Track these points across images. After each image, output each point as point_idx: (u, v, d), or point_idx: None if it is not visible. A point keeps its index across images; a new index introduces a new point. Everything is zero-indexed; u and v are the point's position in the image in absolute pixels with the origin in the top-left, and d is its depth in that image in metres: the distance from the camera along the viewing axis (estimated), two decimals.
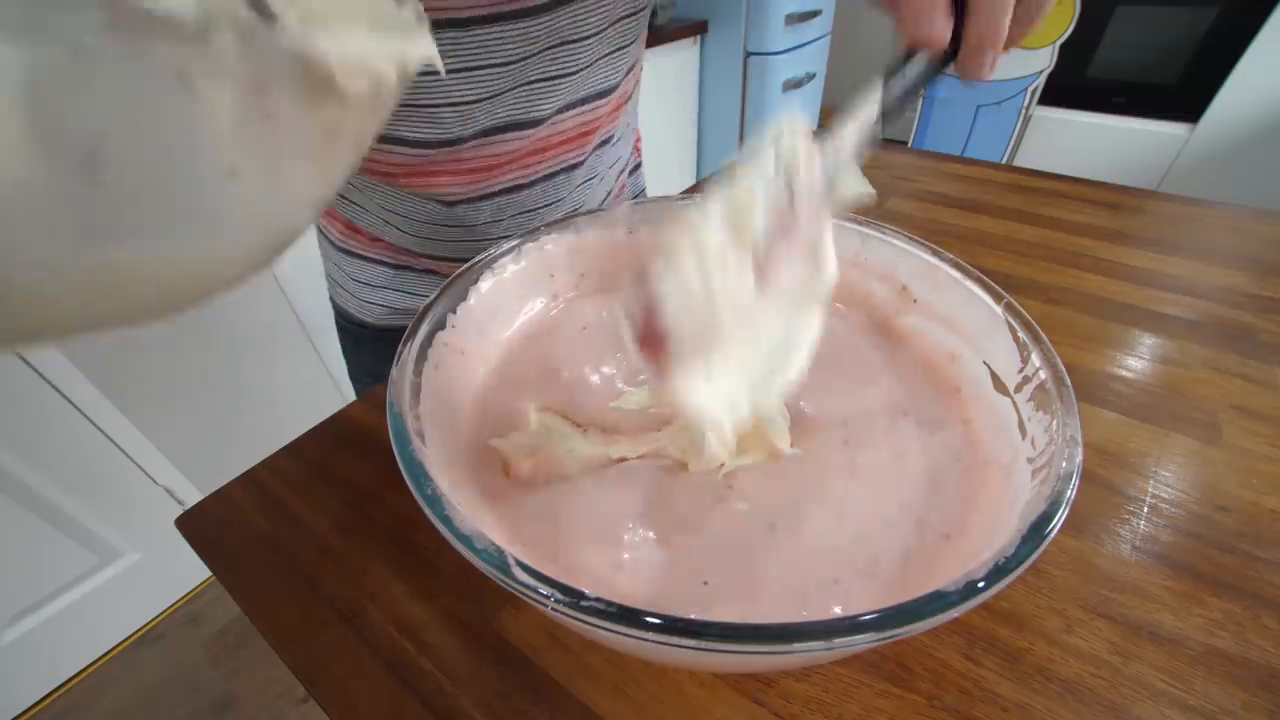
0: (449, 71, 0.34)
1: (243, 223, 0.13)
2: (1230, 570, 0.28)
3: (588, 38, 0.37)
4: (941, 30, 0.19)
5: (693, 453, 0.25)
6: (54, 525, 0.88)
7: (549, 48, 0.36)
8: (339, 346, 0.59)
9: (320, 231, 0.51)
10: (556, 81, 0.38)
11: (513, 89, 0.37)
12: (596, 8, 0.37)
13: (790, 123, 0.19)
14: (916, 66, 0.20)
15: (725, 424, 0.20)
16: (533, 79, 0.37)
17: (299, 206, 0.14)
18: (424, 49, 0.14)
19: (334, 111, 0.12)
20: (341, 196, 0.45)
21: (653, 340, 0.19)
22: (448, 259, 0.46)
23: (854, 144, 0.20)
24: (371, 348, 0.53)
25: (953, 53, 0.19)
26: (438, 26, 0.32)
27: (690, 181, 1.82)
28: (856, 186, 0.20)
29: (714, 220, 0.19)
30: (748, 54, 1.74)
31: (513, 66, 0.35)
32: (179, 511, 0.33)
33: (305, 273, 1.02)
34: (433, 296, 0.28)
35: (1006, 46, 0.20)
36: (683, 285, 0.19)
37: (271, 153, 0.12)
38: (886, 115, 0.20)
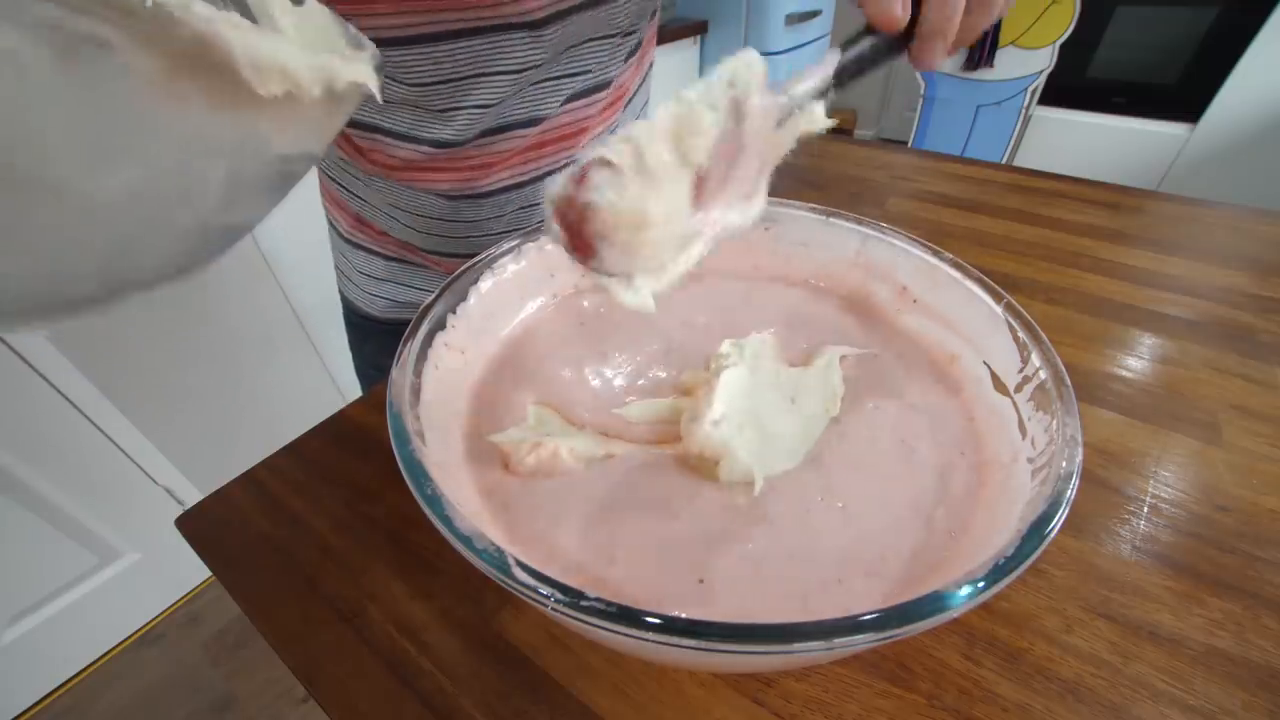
0: (463, 78, 0.35)
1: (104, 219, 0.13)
2: (1230, 570, 0.28)
3: (601, 38, 0.38)
4: (899, 15, 0.20)
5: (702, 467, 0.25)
6: (54, 525, 0.88)
7: (560, 52, 0.37)
8: (339, 346, 0.59)
9: (330, 224, 0.52)
10: (563, 81, 0.39)
11: (520, 91, 0.37)
12: (613, 13, 0.37)
13: (747, 62, 0.20)
14: (872, 43, 0.21)
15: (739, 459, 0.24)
16: (539, 80, 0.37)
17: (203, 198, 0.15)
18: (356, 74, 0.15)
19: (247, 111, 0.13)
20: (348, 190, 0.45)
21: (581, 242, 0.20)
22: (451, 254, 0.47)
23: (806, 93, 0.21)
24: (377, 341, 0.54)
25: (907, 39, 0.21)
26: (454, 36, 0.32)
27: None
28: (816, 118, 0.22)
29: (660, 134, 0.19)
30: None
31: (526, 72, 0.36)
32: (179, 511, 0.33)
33: (305, 272, 1.02)
34: (432, 297, 0.28)
35: (957, 44, 0.21)
36: (619, 192, 0.19)
37: (173, 136, 0.13)
38: (839, 82, 0.21)
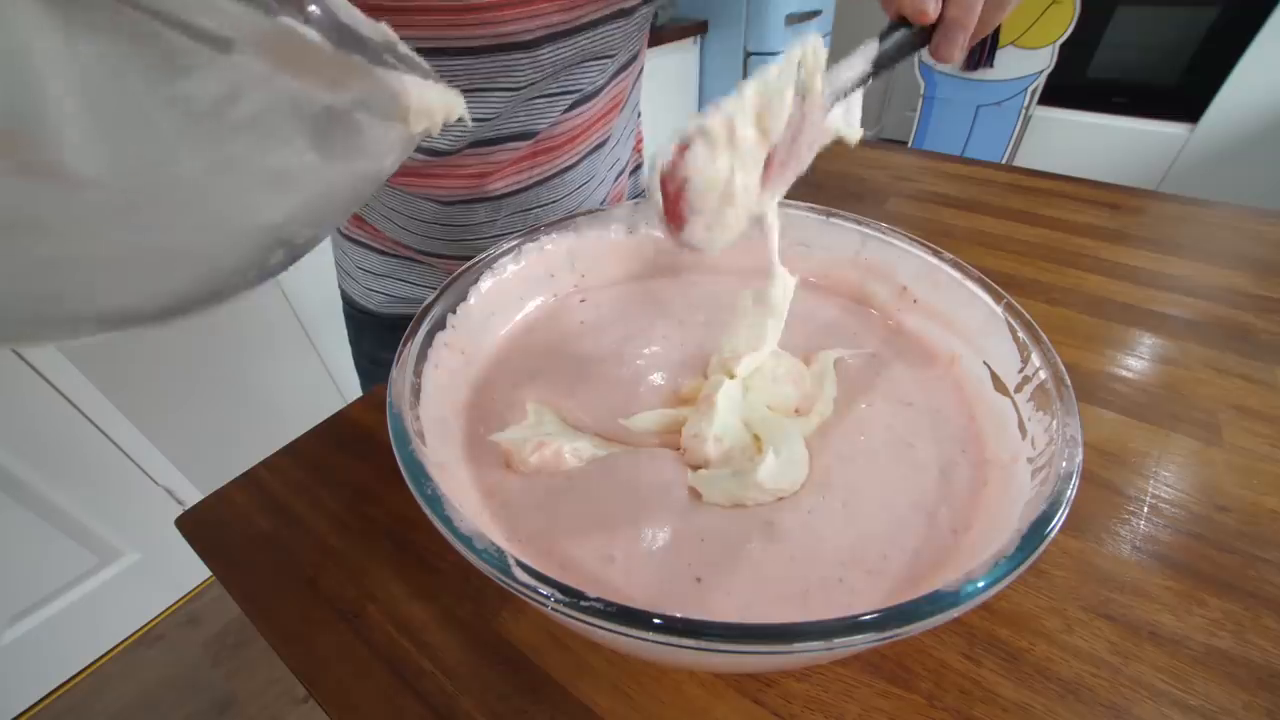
0: (462, 92, 0.35)
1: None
2: (1230, 570, 0.28)
3: (601, 58, 0.39)
4: (931, 9, 0.21)
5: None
6: (54, 525, 0.88)
7: (558, 70, 0.37)
8: (339, 345, 0.59)
9: None
10: (557, 98, 0.39)
11: (516, 107, 0.38)
12: (608, 34, 0.37)
13: (814, 45, 0.21)
14: (904, 34, 0.23)
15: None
16: (536, 96, 0.38)
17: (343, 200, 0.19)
18: (462, 109, 0.19)
19: (394, 138, 0.17)
20: None
21: (675, 212, 0.22)
22: (448, 257, 0.47)
23: (846, 85, 0.22)
24: (374, 334, 0.55)
25: (932, 31, 0.22)
26: (457, 53, 0.33)
27: None
28: (853, 129, 0.24)
29: (748, 110, 0.21)
30: (748, 54, 1.74)
31: (522, 90, 0.36)
32: (179, 511, 0.33)
33: (305, 272, 1.02)
34: (432, 297, 0.28)
35: (974, 37, 0.23)
36: (712, 165, 0.21)
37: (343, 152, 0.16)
38: (875, 71, 0.23)
